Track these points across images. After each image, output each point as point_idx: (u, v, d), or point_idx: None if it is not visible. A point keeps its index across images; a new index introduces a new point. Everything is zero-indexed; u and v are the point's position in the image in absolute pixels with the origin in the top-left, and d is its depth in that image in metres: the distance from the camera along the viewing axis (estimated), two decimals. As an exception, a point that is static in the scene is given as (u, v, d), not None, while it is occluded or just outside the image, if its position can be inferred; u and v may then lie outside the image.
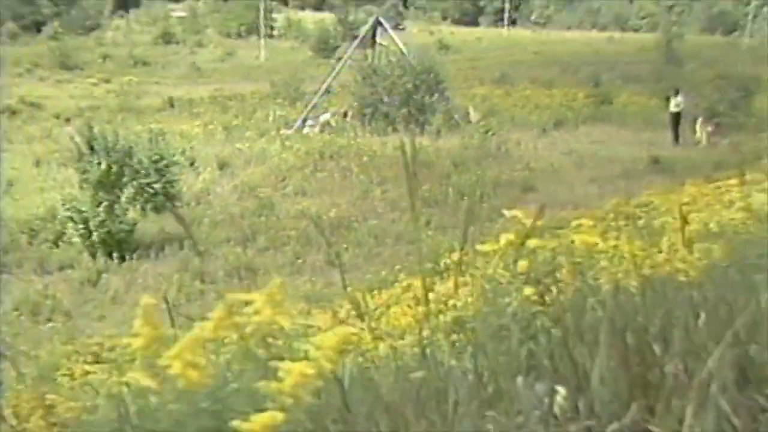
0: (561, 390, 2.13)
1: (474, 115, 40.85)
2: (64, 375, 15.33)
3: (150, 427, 1.94)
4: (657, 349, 2.27)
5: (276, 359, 1.87)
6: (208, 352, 1.82)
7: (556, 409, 2.11)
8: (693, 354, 2.28)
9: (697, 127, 34.55)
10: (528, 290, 2.85)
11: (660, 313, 2.51)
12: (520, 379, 2.28)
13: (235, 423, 1.69)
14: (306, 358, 1.83)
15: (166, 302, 2.70)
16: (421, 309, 8.13)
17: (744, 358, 2.31)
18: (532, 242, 2.95)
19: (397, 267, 18.39)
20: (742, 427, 2.06)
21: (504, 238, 2.98)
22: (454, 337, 4.43)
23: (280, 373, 1.76)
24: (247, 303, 2.02)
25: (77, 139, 29.25)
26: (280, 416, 1.70)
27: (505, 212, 2.92)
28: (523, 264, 2.92)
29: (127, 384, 2.08)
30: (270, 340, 2.05)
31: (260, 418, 1.69)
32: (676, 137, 34.28)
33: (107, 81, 63.04)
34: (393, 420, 2.18)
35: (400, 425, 2.17)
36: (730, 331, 2.30)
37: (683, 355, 2.23)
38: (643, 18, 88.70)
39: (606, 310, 2.51)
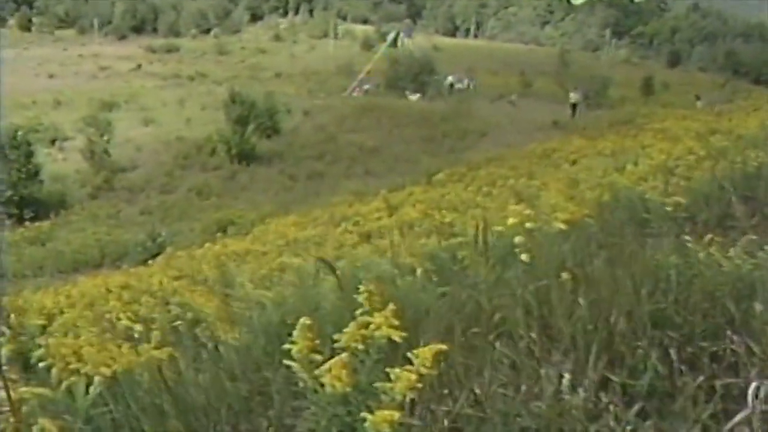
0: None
1: (460, 84, 40.45)
2: (215, 232, 15.15)
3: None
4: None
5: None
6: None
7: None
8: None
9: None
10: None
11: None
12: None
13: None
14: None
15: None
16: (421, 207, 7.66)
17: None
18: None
19: (406, 179, 17.81)
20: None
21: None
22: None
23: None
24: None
25: (227, 95, 28.82)
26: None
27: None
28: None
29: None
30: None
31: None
32: (573, 114, 32.21)
33: (243, 62, 62.11)
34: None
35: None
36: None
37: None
38: (548, 39, 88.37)
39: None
